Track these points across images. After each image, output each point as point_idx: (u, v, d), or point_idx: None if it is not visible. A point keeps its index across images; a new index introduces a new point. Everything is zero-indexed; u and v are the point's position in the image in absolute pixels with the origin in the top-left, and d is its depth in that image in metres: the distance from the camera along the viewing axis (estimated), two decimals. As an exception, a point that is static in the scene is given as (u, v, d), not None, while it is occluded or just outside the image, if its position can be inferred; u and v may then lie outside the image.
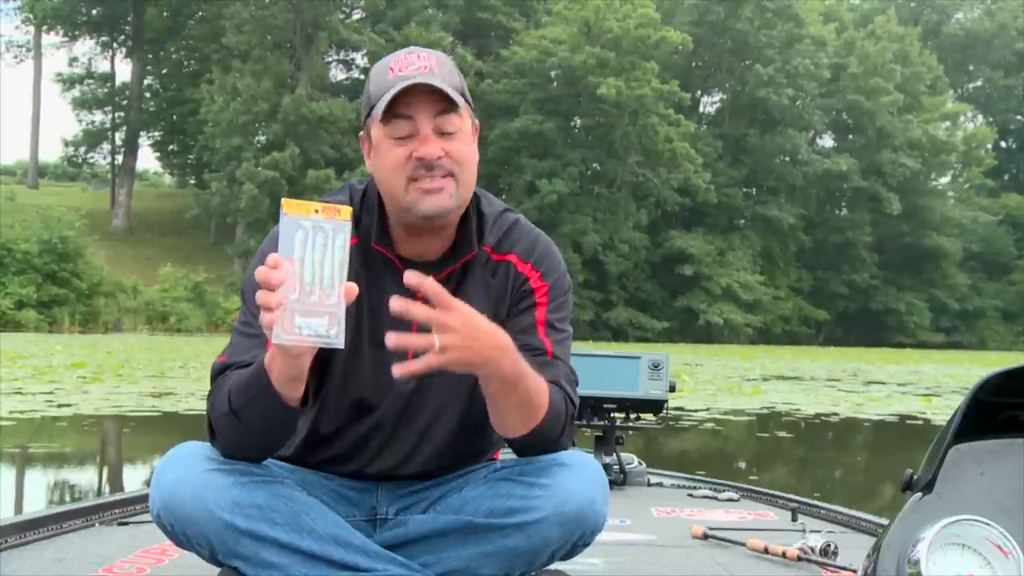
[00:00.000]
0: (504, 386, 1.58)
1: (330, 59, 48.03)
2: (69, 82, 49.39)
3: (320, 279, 1.40)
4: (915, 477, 1.48)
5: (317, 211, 1.41)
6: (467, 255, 1.78)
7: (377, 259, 1.76)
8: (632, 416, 3.73)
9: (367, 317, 1.75)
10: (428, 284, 1.48)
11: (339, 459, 1.82)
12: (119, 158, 47.91)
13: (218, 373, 1.68)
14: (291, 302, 1.39)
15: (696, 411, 9.82)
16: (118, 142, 48.72)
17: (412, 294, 1.64)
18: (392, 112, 1.68)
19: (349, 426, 1.80)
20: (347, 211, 1.42)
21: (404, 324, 1.74)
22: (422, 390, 1.78)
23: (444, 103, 1.69)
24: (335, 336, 1.40)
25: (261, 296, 1.40)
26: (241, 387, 1.58)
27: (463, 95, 1.72)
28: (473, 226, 1.79)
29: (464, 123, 1.73)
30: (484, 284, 1.79)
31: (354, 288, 1.42)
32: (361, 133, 1.80)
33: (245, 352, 1.66)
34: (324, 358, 1.65)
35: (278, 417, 1.58)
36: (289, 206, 1.41)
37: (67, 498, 5.12)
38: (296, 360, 1.49)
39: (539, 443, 1.70)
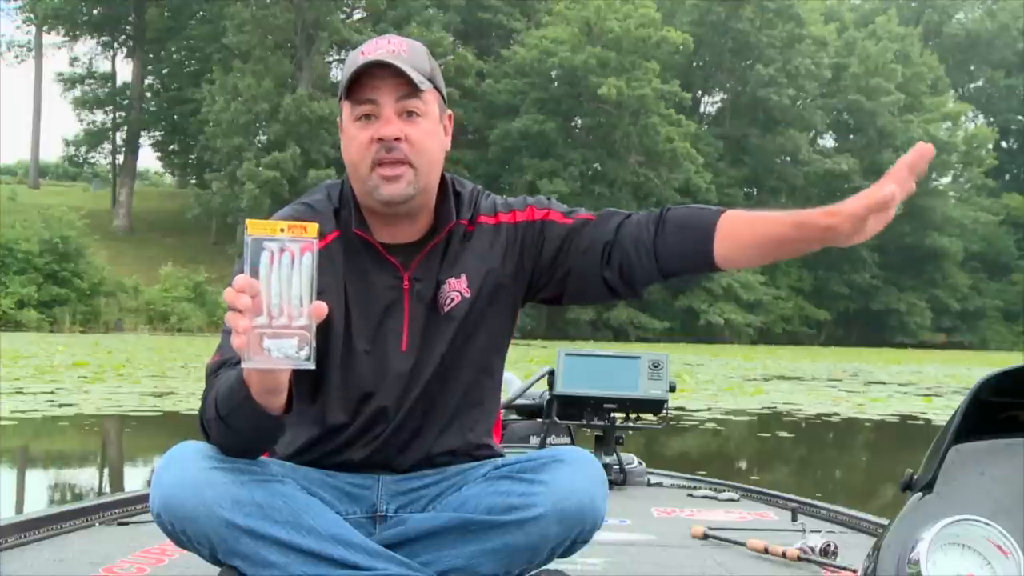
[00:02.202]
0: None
1: (331, 59, 48.01)
2: (70, 82, 49.36)
3: (288, 300, 1.38)
4: (915, 477, 1.48)
5: (283, 230, 1.39)
6: (446, 228, 1.81)
7: (358, 245, 1.79)
8: (632, 416, 3.72)
9: (354, 307, 1.77)
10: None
11: (341, 451, 1.82)
12: (120, 158, 47.90)
13: (212, 372, 1.68)
14: (259, 325, 1.38)
15: (697, 411, 9.82)
16: (119, 142, 48.73)
17: (399, 280, 1.75)
18: (357, 93, 1.71)
19: (350, 417, 1.80)
20: (313, 228, 1.41)
21: (392, 310, 1.78)
22: (419, 372, 1.79)
23: (407, 87, 1.71)
24: (305, 357, 1.39)
25: (230, 319, 1.40)
26: (224, 396, 1.59)
27: (432, 81, 1.75)
28: (452, 205, 1.83)
29: (429, 109, 1.75)
30: (470, 251, 1.83)
31: (323, 307, 1.42)
32: (338, 119, 1.83)
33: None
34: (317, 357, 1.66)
35: (263, 424, 1.59)
36: (253, 227, 1.39)
37: (67, 498, 5.12)
38: (272, 375, 1.50)
39: None
